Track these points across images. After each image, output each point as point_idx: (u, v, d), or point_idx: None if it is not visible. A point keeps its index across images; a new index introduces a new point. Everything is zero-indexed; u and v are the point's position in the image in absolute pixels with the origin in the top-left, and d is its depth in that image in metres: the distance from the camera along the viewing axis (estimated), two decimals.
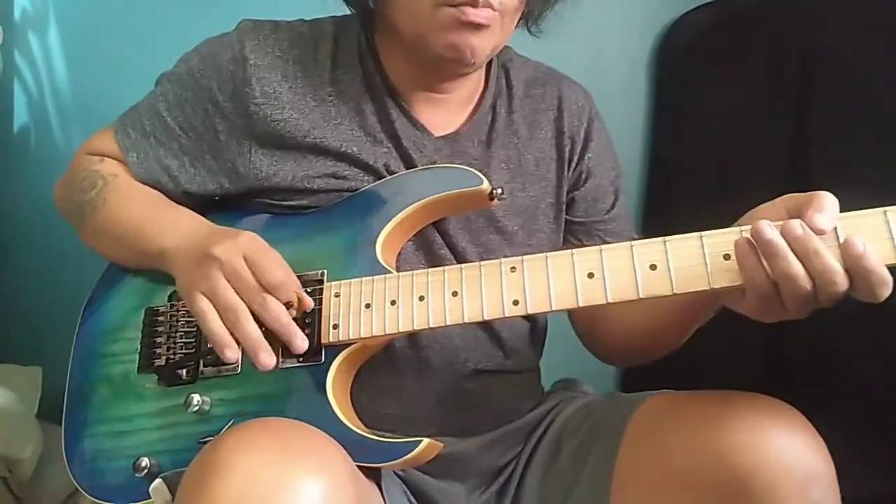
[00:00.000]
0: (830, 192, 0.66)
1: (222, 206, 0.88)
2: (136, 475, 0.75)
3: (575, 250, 0.70)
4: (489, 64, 0.91)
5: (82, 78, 1.34)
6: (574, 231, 0.94)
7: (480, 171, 0.80)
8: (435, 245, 0.84)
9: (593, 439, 0.82)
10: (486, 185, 0.79)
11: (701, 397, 0.74)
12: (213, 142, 0.85)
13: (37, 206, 1.34)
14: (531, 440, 0.88)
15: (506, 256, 0.82)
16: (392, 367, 0.82)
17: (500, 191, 0.80)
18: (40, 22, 1.33)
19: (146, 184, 0.88)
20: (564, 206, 0.92)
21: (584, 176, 0.93)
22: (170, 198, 0.87)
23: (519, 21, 0.85)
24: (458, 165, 0.82)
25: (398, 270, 0.79)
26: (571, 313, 0.94)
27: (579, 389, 0.95)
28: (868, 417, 1.17)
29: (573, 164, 0.92)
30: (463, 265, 0.73)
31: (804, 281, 0.61)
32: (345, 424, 0.72)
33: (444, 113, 0.87)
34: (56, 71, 1.34)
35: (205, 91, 0.85)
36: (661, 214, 1.47)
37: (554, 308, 0.69)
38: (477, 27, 0.76)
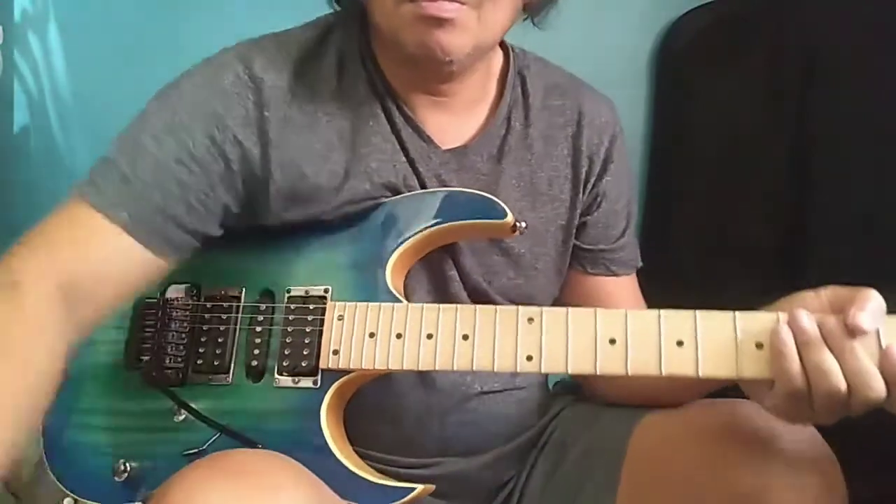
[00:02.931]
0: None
1: None
2: (116, 479, 0.72)
3: (599, 310, 0.66)
4: (505, 69, 0.84)
5: (82, 78, 1.34)
6: (580, 258, 0.88)
7: (489, 188, 0.77)
8: (442, 263, 0.80)
9: (595, 454, 0.80)
10: (510, 219, 0.75)
11: (701, 410, 0.72)
12: (225, 173, 0.74)
13: (36, 206, 1.33)
14: (533, 452, 0.86)
15: (510, 278, 0.81)
16: (394, 389, 0.78)
17: (523, 224, 0.76)
18: (40, 22, 1.33)
19: (150, 248, 0.70)
20: (575, 231, 0.86)
21: (598, 199, 0.86)
22: (175, 248, 0.72)
23: (520, 14, 0.78)
24: (483, 194, 0.76)
25: (404, 288, 0.76)
26: None
27: (580, 391, 0.93)
28: (869, 416, 1.17)
29: (589, 187, 0.85)
30: (477, 306, 0.69)
31: (837, 379, 0.58)
32: (337, 458, 0.70)
33: (451, 120, 0.80)
34: (56, 71, 1.34)
35: (208, 116, 0.73)
36: (661, 214, 1.47)
37: (570, 371, 0.66)
38: (441, 22, 0.69)
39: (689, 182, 1.43)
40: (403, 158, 0.78)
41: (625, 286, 0.89)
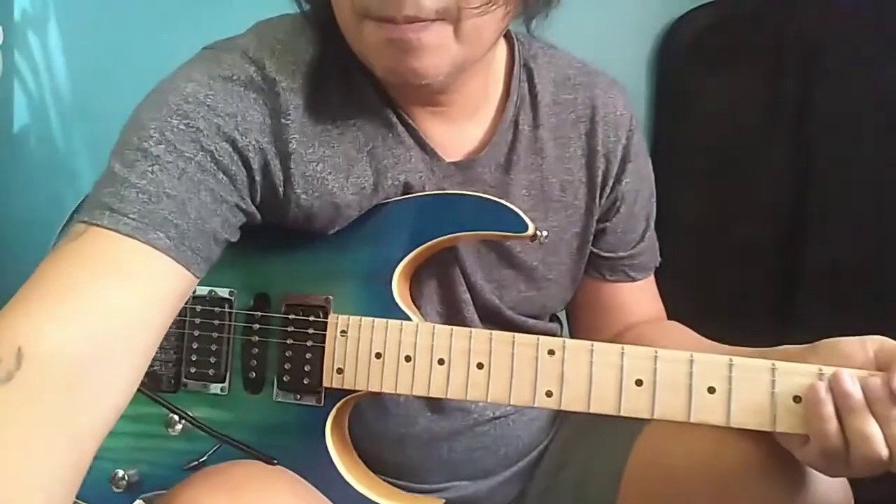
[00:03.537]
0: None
1: None
2: (115, 490, 0.70)
3: (626, 347, 0.61)
4: (510, 63, 0.75)
5: (82, 78, 1.34)
6: (597, 265, 0.82)
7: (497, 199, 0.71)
8: (453, 281, 0.75)
9: (594, 467, 0.78)
10: (530, 232, 0.68)
11: (703, 430, 0.68)
12: (248, 182, 0.64)
13: (36, 206, 1.34)
14: (536, 468, 0.84)
15: (520, 291, 0.77)
16: (401, 414, 0.74)
17: (544, 234, 0.69)
18: (40, 22, 1.33)
19: (192, 269, 0.59)
20: (591, 238, 0.79)
21: (617, 204, 0.79)
22: (211, 264, 0.63)
23: (513, 18, 0.67)
24: (504, 203, 0.69)
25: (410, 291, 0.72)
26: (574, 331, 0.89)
27: None
28: None
29: (606, 190, 0.78)
30: (493, 333, 0.64)
31: (879, 446, 0.54)
32: (343, 478, 0.67)
33: (453, 129, 0.73)
34: (56, 71, 1.34)
35: (226, 118, 0.62)
36: (661, 213, 1.47)
37: (591, 410, 0.62)
38: (410, 46, 0.58)
39: (689, 181, 1.43)
40: (423, 168, 0.71)
41: (643, 290, 0.85)
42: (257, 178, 0.65)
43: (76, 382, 0.50)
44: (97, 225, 0.56)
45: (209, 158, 0.61)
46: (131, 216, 0.56)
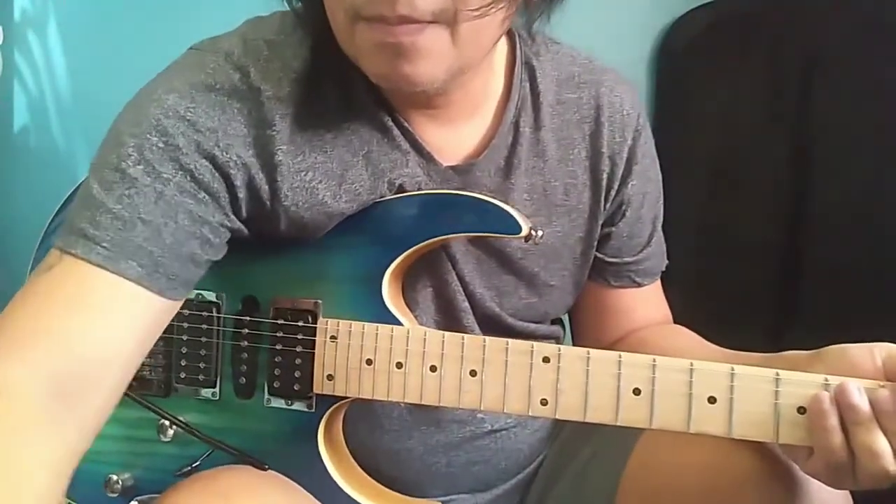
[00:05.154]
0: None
1: None
2: (110, 495, 0.69)
3: (623, 355, 0.60)
4: (511, 64, 0.72)
5: (82, 78, 1.34)
6: (602, 270, 0.80)
7: None
8: (451, 290, 0.73)
9: (592, 473, 0.77)
10: (524, 232, 0.66)
11: (702, 443, 0.64)
12: (230, 199, 0.63)
13: (36, 207, 1.33)
14: (535, 477, 0.83)
15: (521, 298, 0.75)
16: (394, 428, 0.73)
17: (539, 234, 0.67)
18: (40, 22, 1.33)
19: (167, 296, 0.59)
20: (596, 243, 0.77)
21: (623, 208, 0.76)
22: (191, 286, 0.62)
23: (509, 19, 0.63)
24: (496, 203, 0.67)
25: (403, 294, 0.70)
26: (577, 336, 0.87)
27: None
28: None
29: (612, 194, 0.75)
30: (486, 338, 0.63)
31: (888, 461, 0.53)
32: (337, 484, 0.67)
33: (451, 132, 0.70)
34: (56, 71, 1.34)
35: (206, 133, 0.60)
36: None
37: (588, 419, 0.61)
38: (404, 50, 0.56)
39: (689, 181, 1.43)
40: (419, 173, 0.69)
41: (648, 295, 0.83)
42: (241, 194, 0.63)
43: (49, 420, 0.51)
44: (70, 254, 0.56)
45: (188, 178, 0.60)
46: (104, 245, 0.56)
